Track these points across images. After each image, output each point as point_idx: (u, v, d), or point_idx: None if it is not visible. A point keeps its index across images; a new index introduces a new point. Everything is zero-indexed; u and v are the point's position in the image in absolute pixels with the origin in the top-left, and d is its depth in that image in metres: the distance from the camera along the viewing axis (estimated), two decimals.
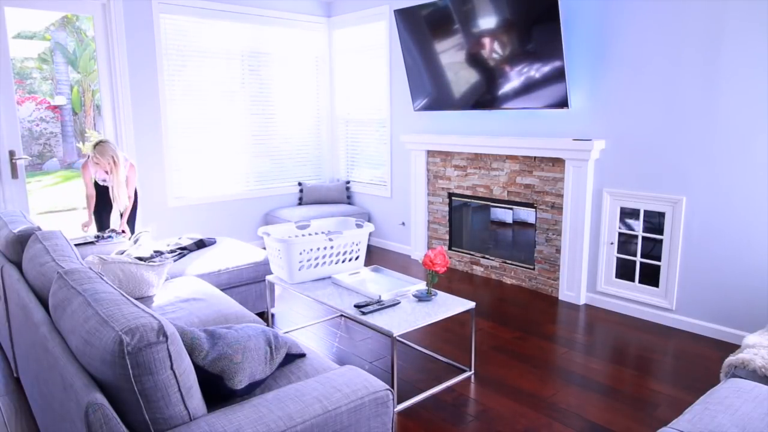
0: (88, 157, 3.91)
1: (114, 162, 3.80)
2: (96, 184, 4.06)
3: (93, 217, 4.07)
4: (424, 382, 2.75)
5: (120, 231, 3.83)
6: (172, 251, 3.55)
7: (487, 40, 4.02)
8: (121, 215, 4.07)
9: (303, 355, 2.00)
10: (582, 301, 3.83)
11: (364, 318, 2.54)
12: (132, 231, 4.14)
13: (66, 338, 1.57)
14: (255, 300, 3.57)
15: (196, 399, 1.42)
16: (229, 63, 5.11)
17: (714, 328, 3.24)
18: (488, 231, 4.56)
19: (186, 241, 3.73)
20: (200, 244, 3.73)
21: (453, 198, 4.71)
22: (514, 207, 4.27)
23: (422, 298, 2.76)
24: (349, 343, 3.24)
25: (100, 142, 3.81)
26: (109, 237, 3.63)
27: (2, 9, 3.87)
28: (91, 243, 3.53)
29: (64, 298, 1.62)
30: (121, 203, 3.95)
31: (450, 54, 4.31)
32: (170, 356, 1.34)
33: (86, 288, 1.60)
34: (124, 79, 4.46)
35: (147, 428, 1.33)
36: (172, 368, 1.34)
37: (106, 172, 3.90)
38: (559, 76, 3.65)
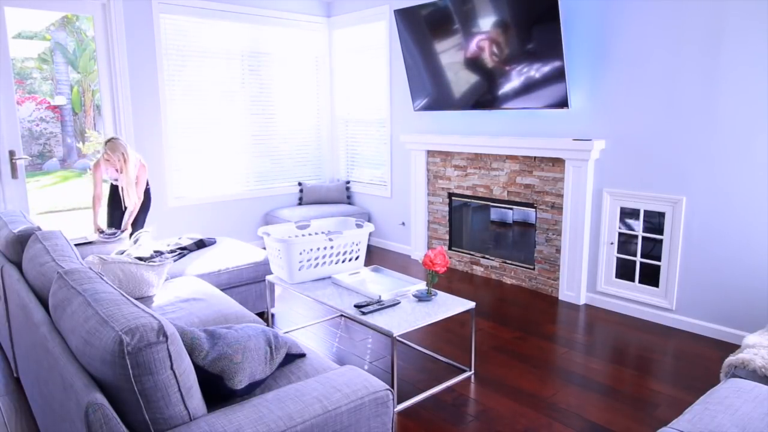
0: (100, 155, 3.92)
1: (124, 159, 3.80)
2: (111, 185, 4.07)
3: (99, 215, 4.07)
4: (424, 382, 2.75)
5: (122, 230, 3.84)
6: (172, 251, 3.55)
7: (487, 40, 4.02)
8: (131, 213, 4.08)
9: (303, 355, 2.00)
10: (582, 301, 3.83)
11: (364, 318, 2.54)
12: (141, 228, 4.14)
13: (66, 338, 1.57)
14: (255, 300, 3.57)
15: (196, 399, 1.42)
16: (229, 63, 5.11)
17: (714, 328, 3.24)
18: (488, 231, 4.56)
19: (186, 241, 3.73)
20: (200, 244, 3.74)
21: (453, 198, 4.71)
22: (514, 207, 4.27)
23: (422, 298, 2.76)
24: (349, 343, 3.24)
25: (112, 138, 3.82)
26: (114, 234, 3.65)
27: (2, 9, 3.87)
28: (91, 243, 3.53)
29: (64, 298, 1.62)
30: (129, 201, 3.95)
31: (450, 54, 4.31)
32: (170, 356, 1.34)
33: (86, 288, 1.60)
34: (124, 79, 4.46)
35: (147, 428, 1.33)
36: (172, 368, 1.34)
37: (117, 170, 3.90)
38: (559, 76, 3.65)
